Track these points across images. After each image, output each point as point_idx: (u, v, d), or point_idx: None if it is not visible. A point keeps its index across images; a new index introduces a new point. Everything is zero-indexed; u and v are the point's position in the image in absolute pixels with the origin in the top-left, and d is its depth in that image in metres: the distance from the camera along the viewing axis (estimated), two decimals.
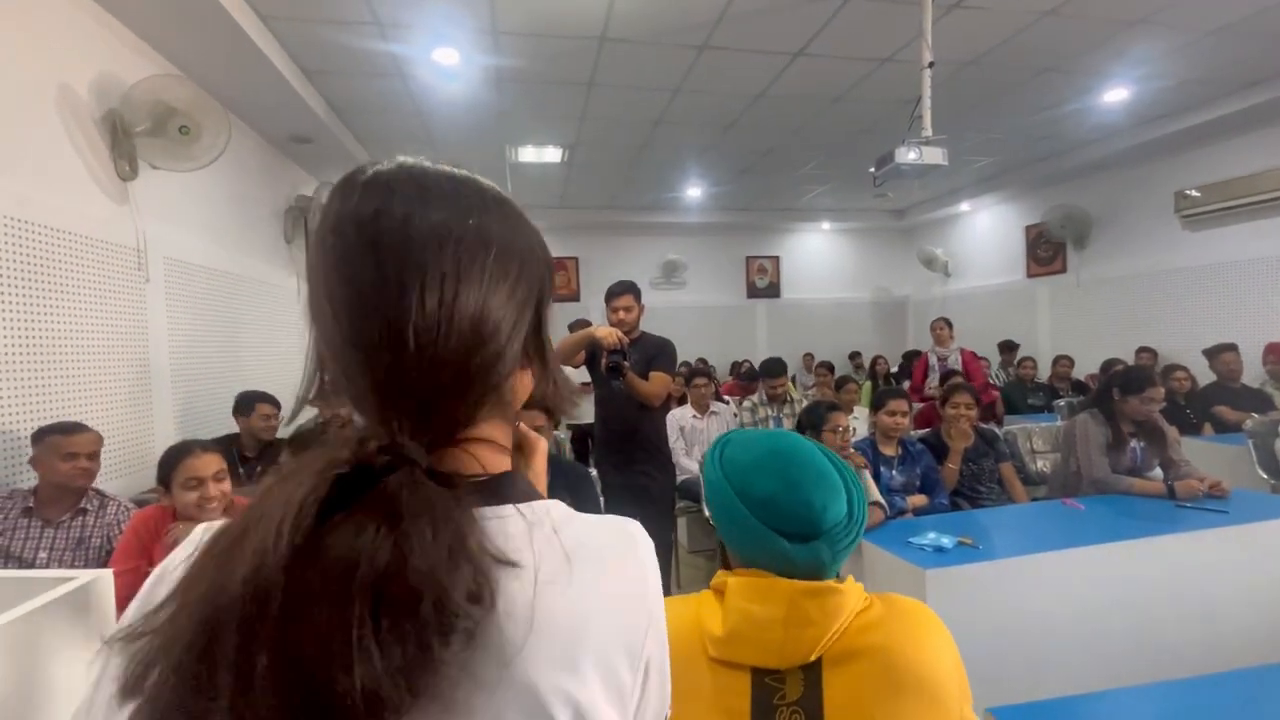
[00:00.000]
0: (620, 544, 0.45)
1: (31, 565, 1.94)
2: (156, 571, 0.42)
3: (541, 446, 0.66)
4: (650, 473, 2.87)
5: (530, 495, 0.45)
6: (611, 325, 2.76)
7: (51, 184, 2.40)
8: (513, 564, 0.38)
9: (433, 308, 0.40)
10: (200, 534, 0.40)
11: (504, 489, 0.43)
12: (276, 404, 3.11)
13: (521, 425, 0.66)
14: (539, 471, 0.64)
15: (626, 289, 2.89)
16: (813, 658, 0.75)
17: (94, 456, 2.06)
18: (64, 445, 1.99)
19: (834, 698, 0.74)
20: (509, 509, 0.42)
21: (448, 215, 0.42)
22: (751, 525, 0.80)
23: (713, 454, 0.90)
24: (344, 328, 0.41)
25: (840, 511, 0.81)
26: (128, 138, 2.69)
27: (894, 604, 0.81)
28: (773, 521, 0.80)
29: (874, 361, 7.34)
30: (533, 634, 0.37)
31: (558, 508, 0.45)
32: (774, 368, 3.98)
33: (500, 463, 0.46)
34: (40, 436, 2.01)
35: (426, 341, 0.39)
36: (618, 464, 2.88)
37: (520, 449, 0.64)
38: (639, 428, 2.86)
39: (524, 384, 0.48)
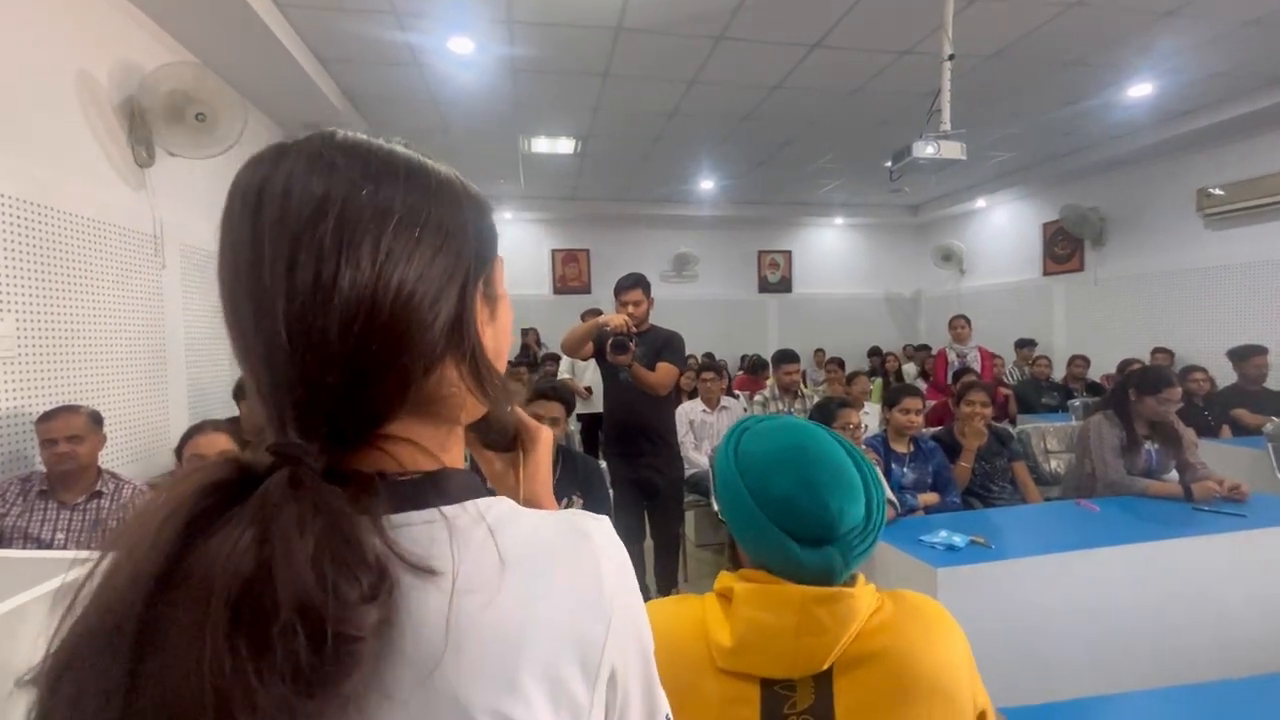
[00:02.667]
0: (569, 543, 0.39)
1: (49, 546, 1.97)
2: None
3: (544, 436, 0.61)
4: (658, 466, 2.86)
5: (466, 493, 0.40)
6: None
7: (69, 170, 2.43)
8: (427, 570, 0.34)
9: (305, 284, 0.35)
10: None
11: (426, 490, 0.38)
12: None
13: (521, 413, 0.61)
14: (542, 464, 0.60)
15: (635, 282, 2.85)
16: (825, 666, 0.72)
17: (76, 439, 2.01)
18: (40, 432, 2.01)
19: (845, 703, 0.72)
20: (430, 513, 0.37)
21: (334, 183, 0.37)
22: (762, 525, 0.76)
23: (727, 444, 0.84)
24: (230, 313, 0.38)
25: (857, 516, 0.77)
26: (145, 124, 2.71)
27: (903, 602, 0.79)
28: (785, 523, 0.75)
29: (886, 358, 7.29)
30: (458, 649, 0.33)
31: (499, 505, 0.40)
32: (786, 355, 3.96)
33: (424, 461, 0.40)
34: (37, 424, 2.04)
35: (299, 322, 0.35)
36: (625, 457, 2.86)
37: (519, 439, 0.60)
38: (647, 420, 2.84)
39: (458, 379, 0.41)
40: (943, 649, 0.74)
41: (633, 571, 0.42)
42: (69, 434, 2.02)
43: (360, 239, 0.36)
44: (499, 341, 0.46)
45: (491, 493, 0.42)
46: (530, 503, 0.57)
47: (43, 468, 2.07)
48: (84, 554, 0.32)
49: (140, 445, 2.75)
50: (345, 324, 0.35)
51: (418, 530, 0.36)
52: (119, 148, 2.68)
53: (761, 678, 0.73)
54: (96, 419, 2.13)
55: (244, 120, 2.89)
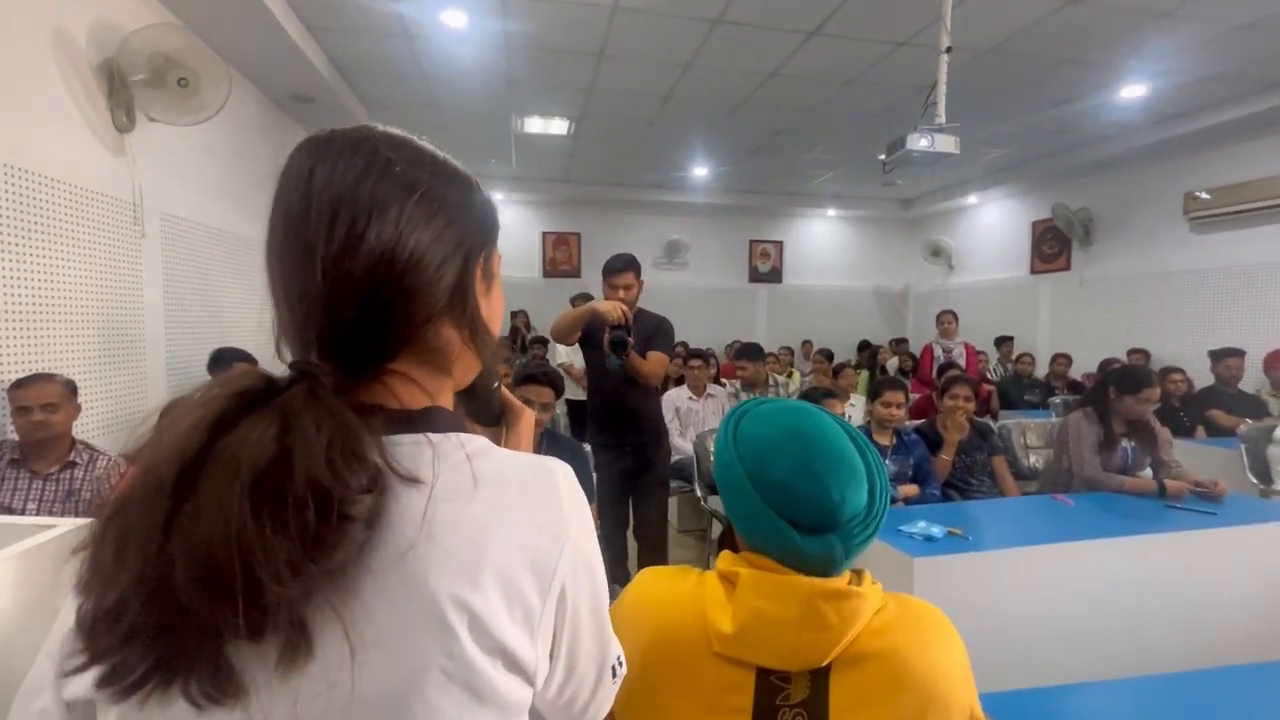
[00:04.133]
0: (535, 474, 0.47)
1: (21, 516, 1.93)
2: None
3: (526, 416, 0.68)
4: (647, 454, 2.81)
5: (451, 427, 0.47)
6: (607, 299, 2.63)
7: (46, 132, 2.35)
8: (412, 479, 0.41)
9: (340, 235, 0.43)
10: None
11: (418, 420, 0.46)
12: (253, 362, 3.03)
13: (506, 392, 0.68)
14: (523, 441, 0.67)
15: (627, 265, 2.72)
16: (825, 663, 0.71)
17: (50, 408, 1.98)
18: (13, 399, 1.97)
19: (839, 700, 0.71)
20: (419, 436, 0.44)
21: (373, 164, 0.45)
22: (762, 511, 0.74)
23: (727, 426, 0.82)
24: (274, 265, 0.46)
25: (859, 503, 0.74)
26: (125, 88, 2.63)
27: (907, 606, 0.77)
28: (785, 510, 0.73)
29: (876, 352, 7.33)
30: (430, 542, 0.40)
31: (477, 440, 0.47)
32: (747, 351, 3.99)
33: (417, 399, 0.48)
34: (10, 390, 1.99)
35: (334, 265, 0.43)
36: (612, 444, 2.79)
37: (504, 416, 0.67)
38: (636, 408, 2.78)
39: (454, 336, 0.49)
40: (941, 656, 0.73)
41: (589, 516, 0.49)
42: (43, 402, 1.98)
43: (388, 204, 0.45)
44: (492, 313, 0.54)
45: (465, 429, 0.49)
46: None
47: (14, 436, 2.03)
48: (51, 520, 0.40)
49: (115, 416, 2.70)
50: (367, 269, 0.44)
51: (407, 448, 0.43)
52: (98, 111, 2.60)
53: (758, 666, 0.72)
54: (71, 388, 2.08)
55: (228, 87, 2.82)
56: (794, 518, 0.73)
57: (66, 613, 0.41)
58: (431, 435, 0.45)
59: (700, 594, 0.77)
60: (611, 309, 2.49)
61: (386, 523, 0.40)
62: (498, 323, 0.55)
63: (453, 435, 0.46)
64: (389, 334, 0.45)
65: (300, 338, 0.45)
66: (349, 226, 0.43)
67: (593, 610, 0.48)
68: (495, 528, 0.43)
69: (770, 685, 0.71)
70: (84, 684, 0.38)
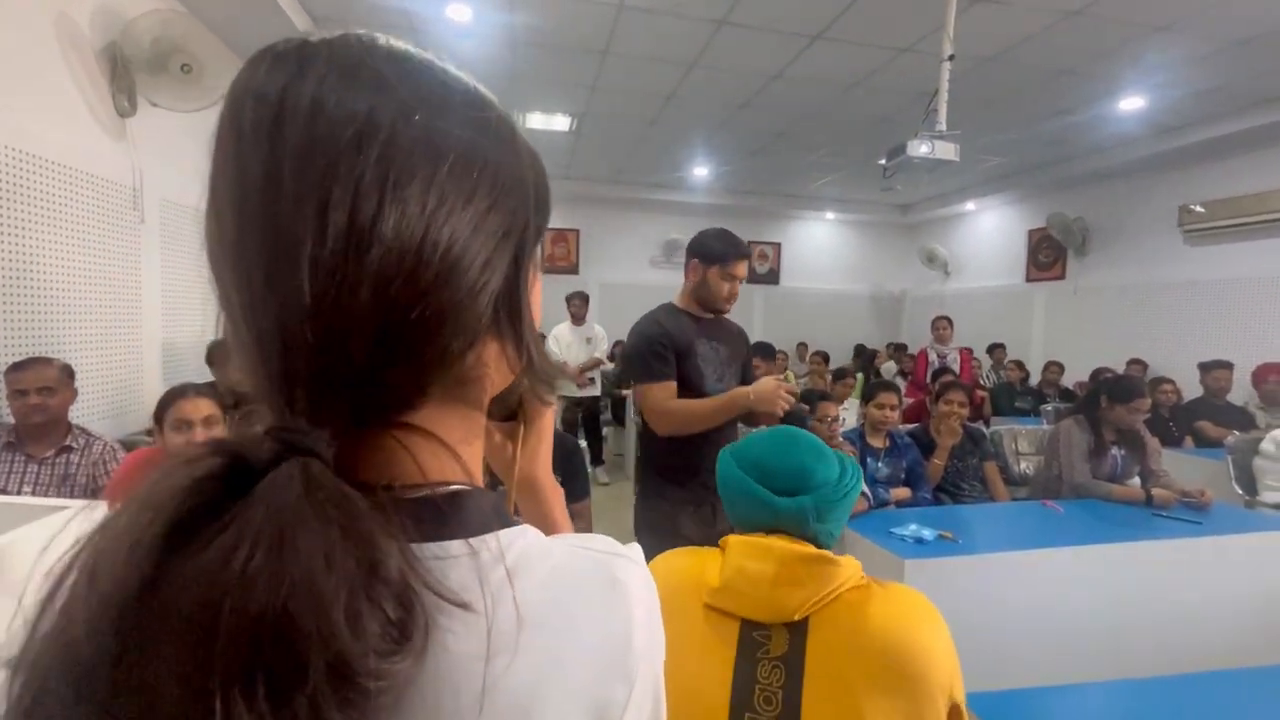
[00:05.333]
0: (599, 592, 0.33)
1: None
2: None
3: (546, 418, 0.53)
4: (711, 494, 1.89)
5: (487, 523, 0.32)
6: (724, 299, 1.92)
7: (47, 115, 2.34)
8: (462, 605, 0.28)
9: (338, 230, 0.27)
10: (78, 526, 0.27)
11: (448, 515, 0.31)
12: None
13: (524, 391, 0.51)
14: (543, 441, 0.54)
15: (746, 249, 1.97)
16: (797, 617, 0.79)
17: (48, 391, 1.98)
18: (10, 382, 1.96)
19: (816, 660, 0.77)
20: (455, 545, 0.30)
21: (381, 104, 0.29)
22: (744, 484, 0.89)
23: (724, 448, 0.99)
24: (228, 252, 0.30)
25: (830, 475, 0.88)
26: (127, 72, 2.62)
27: (891, 589, 0.84)
28: (763, 479, 0.88)
29: (873, 356, 7.36)
30: (466, 714, 0.28)
31: (521, 540, 0.33)
32: (758, 349, 3.99)
33: (446, 469, 0.33)
34: (7, 373, 1.99)
35: (328, 276, 0.28)
36: (705, 498, 1.85)
37: (517, 417, 0.52)
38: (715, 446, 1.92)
39: (498, 362, 0.35)
40: (923, 632, 0.78)
41: (660, 626, 0.35)
42: (40, 385, 1.97)
43: (409, 177, 0.29)
44: (537, 309, 0.40)
45: (512, 521, 0.35)
46: (526, 479, 0.52)
47: (10, 419, 2.02)
48: (51, 500, 0.29)
49: (112, 402, 2.69)
50: (381, 281, 0.28)
51: (437, 564, 0.29)
52: (99, 95, 2.59)
53: (742, 620, 0.82)
54: (68, 372, 2.08)
55: (231, 75, 2.81)
56: (770, 484, 0.89)
57: None
58: (471, 541, 0.31)
59: (701, 561, 0.90)
60: (780, 399, 1.75)
61: (421, 683, 0.27)
62: (537, 321, 0.41)
63: (490, 538, 0.31)
64: (411, 377, 0.31)
65: (279, 381, 0.29)
66: (349, 214, 0.28)
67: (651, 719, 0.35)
68: (548, 686, 0.29)
69: (752, 639, 0.81)
70: None
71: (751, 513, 0.89)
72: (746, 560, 0.83)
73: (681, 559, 0.93)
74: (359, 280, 0.28)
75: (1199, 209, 5.14)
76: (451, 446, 0.33)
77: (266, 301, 0.29)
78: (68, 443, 2.04)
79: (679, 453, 1.82)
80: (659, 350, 1.81)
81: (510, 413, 0.52)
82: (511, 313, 0.34)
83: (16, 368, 1.97)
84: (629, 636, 0.32)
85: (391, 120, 0.29)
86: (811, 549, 0.83)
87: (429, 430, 0.32)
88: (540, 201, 0.36)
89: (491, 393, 0.37)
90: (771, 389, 1.75)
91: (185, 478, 0.25)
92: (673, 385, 1.80)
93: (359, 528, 0.26)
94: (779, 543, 0.84)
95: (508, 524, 0.34)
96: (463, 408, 0.35)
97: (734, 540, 0.87)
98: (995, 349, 6.33)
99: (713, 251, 1.88)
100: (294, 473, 0.26)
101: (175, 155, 3.13)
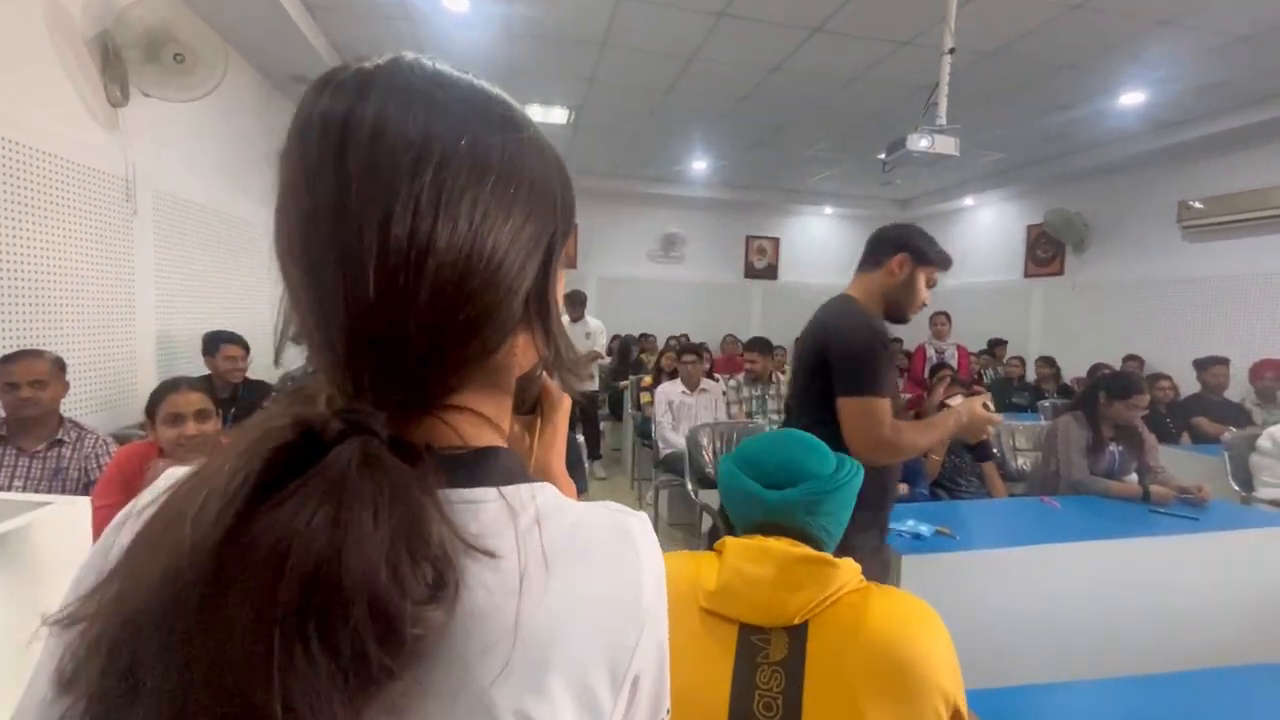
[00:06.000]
0: (613, 542, 0.38)
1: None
2: (117, 519, 0.37)
3: (565, 404, 0.59)
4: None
5: (515, 476, 0.38)
6: (917, 308, 1.73)
7: (38, 105, 2.32)
8: (488, 553, 0.33)
9: (399, 241, 0.32)
10: (163, 482, 0.34)
11: (482, 467, 0.37)
12: (244, 345, 3.01)
13: (546, 378, 0.57)
14: (559, 432, 0.59)
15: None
16: (796, 620, 0.78)
17: (39, 384, 1.96)
18: (1, 375, 1.94)
19: (816, 665, 0.75)
20: (488, 491, 0.36)
21: (434, 126, 0.34)
22: (738, 477, 0.91)
23: (729, 451, 1.05)
24: (298, 260, 0.34)
25: (823, 470, 0.89)
26: (119, 62, 2.59)
27: (891, 593, 0.83)
28: (753, 472, 0.90)
29: None
30: (495, 648, 0.32)
31: (544, 493, 0.38)
32: (755, 344, 3.99)
33: (483, 436, 0.39)
34: None
35: (390, 284, 0.32)
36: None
37: (540, 405, 0.57)
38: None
39: (525, 350, 0.40)
40: (923, 638, 0.77)
41: (664, 574, 0.40)
42: (31, 378, 1.96)
43: (458, 193, 0.33)
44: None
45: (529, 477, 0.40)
46: (541, 469, 0.56)
47: (1, 412, 2.00)
48: (39, 496, 0.33)
49: (104, 395, 2.67)
50: (438, 287, 0.33)
51: (470, 509, 0.35)
52: (91, 85, 2.56)
53: (740, 624, 0.80)
54: (60, 365, 2.06)
55: (224, 65, 2.78)
56: (760, 477, 0.90)
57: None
58: (503, 490, 0.36)
59: (696, 564, 0.89)
60: (987, 426, 1.65)
61: (454, 624, 0.31)
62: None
63: (522, 488, 0.37)
64: (458, 366, 0.36)
65: (346, 369, 0.34)
66: (410, 230, 0.32)
67: (656, 680, 0.40)
68: (568, 623, 0.34)
69: (751, 643, 0.79)
70: None
71: (745, 507, 0.89)
72: (744, 563, 0.82)
73: (676, 563, 0.91)
74: (417, 287, 0.33)
75: (1198, 205, 5.14)
76: (490, 421, 0.39)
77: (336, 303, 0.33)
78: (59, 436, 2.03)
79: (877, 477, 1.47)
80: (889, 357, 1.53)
81: (530, 406, 0.59)
82: (541, 308, 0.39)
83: (7, 360, 1.95)
84: (639, 584, 0.37)
85: (443, 145, 0.33)
86: (810, 551, 0.82)
87: (469, 408, 0.38)
88: (565, 208, 0.41)
89: (512, 382, 0.42)
90: (982, 416, 1.60)
91: (270, 445, 0.30)
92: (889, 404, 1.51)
93: (405, 496, 0.31)
94: (778, 545, 0.82)
95: (532, 480, 0.39)
96: (496, 391, 0.40)
97: (731, 542, 0.86)
98: (996, 345, 6.32)
99: (928, 252, 1.65)
100: (355, 449, 0.31)
101: (168, 146, 3.10)
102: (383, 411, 0.33)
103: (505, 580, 0.33)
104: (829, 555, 0.83)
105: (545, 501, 0.37)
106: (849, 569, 0.82)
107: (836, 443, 1.42)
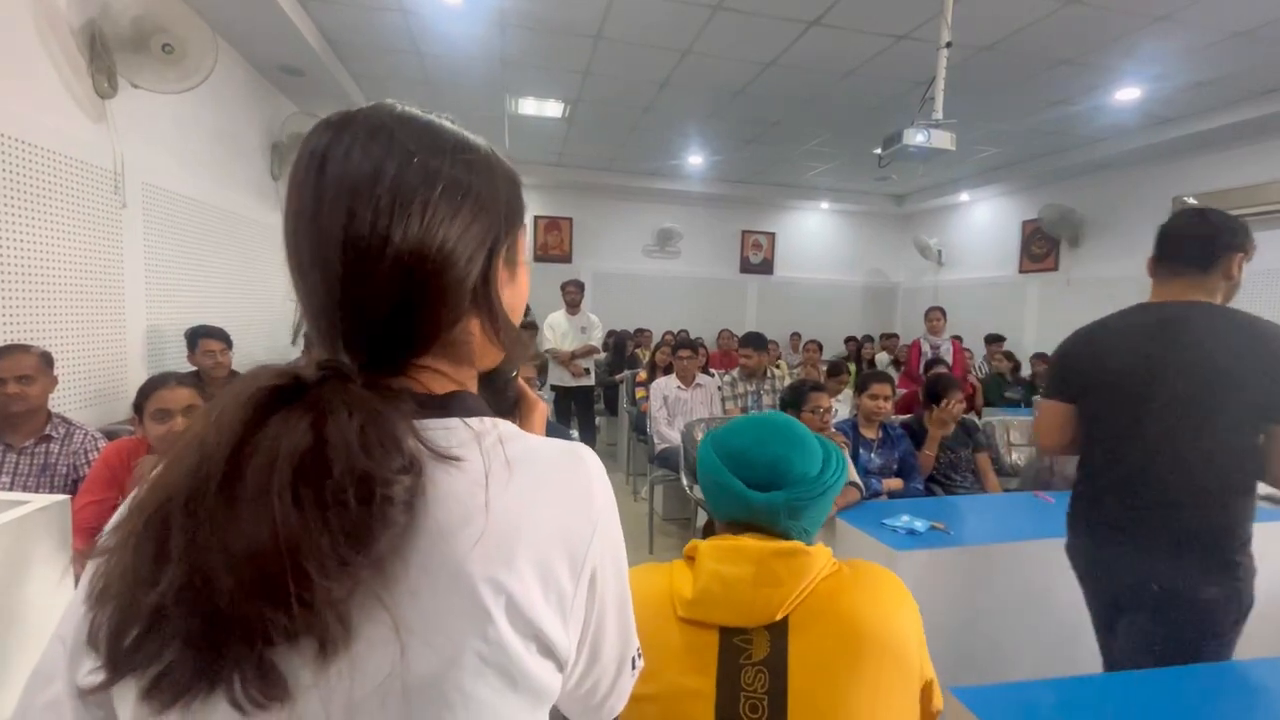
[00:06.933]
0: (566, 459, 0.46)
1: None
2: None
3: (541, 407, 0.69)
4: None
5: (478, 411, 0.47)
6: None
7: (23, 95, 2.28)
8: (454, 459, 0.41)
9: (361, 234, 0.41)
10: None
11: (448, 404, 0.45)
12: (225, 340, 2.96)
13: (523, 384, 0.69)
14: (535, 432, 0.66)
15: None
16: (778, 617, 0.77)
17: (27, 380, 1.94)
18: None
19: (798, 658, 0.76)
20: (452, 420, 0.44)
21: (390, 151, 0.43)
22: (721, 474, 0.86)
23: (708, 434, 0.96)
24: (292, 253, 0.44)
25: (809, 470, 0.85)
26: (107, 52, 2.55)
27: (859, 569, 0.84)
28: (739, 470, 0.86)
29: (861, 346, 7.36)
30: (468, 525, 0.39)
31: (505, 424, 0.47)
32: (749, 339, 3.98)
33: (447, 386, 0.47)
34: None
35: (356, 267, 0.41)
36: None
37: (518, 407, 0.68)
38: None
39: (478, 330, 0.48)
40: (894, 614, 0.79)
41: (615, 503, 0.48)
42: (19, 374, 1.93)
43: (411, 199, 0.42)
44: (515, 302, 0.52)
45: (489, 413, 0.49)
46: None
47: None
48: (28, 495, 0.37)
49: (93, 390, 2.65)
50: (395, 272, 0.42)
51: (441, 431, 0.43)
52: (78, 75, 2.52)
53: (720, 628, 0.79)
54: (48, 360, 2.04)
55: (214, 55, 2.74)
56: (745, 476, 0.86)
57: (78, 602, 0.39)
58: (466, 419, 0.45)
59: (668, 574, 0.87)
60: None
61: (425, 505, 0.39)
62: (519, 310, 0.54)
63: (486, 419, 0.46)
64: (417, 335, 0.45)
65: (325, 339, 0.44)
66: (371, 226, 0.41)
67: (618, 597, 0.48)
68: (531, 511, 0.42)
69: (732, 645, 0.78)
70: (127, 696, 0.37)
71: (725, 503, 0.87)
72: (721, 565, 0.80)
73: (647, 576, 0.88)
74: (379, 270, 0.42)
75: (1192, 201, 5.15)
76: (451, 377, 0.47)
77: (317, 285, 0.43)
78: (47, 432, 2.00)
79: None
80: None
81: (509, 407, 0.67)
82: (486, 292, 0.47)
83: None
84: (589, 489, 0.46)
85: (398, 161, 0.43)
86: (784, 543, 0.81)
87: (433, 368, 0.46)
88: (511, 213, 0.49)
89: (480, 358, 0.50)
90: None
91: (262, 385, 0.39)
92: None
93: (373, 408, 0.40)
94: (751, 542, 0.81)
95: (491, 414, 0.48)
96: (457, 361, 0.48)
97: (704, 547, 0.84)
98: (992, 342, 6.32)
99: (1249, 245, 1.51)
100: (331, 382, 0.40)
101: (158, 138, 3.07)
102: (358, 364, 0.43)
103: (473, 477, 0.41)
104: (801, 544, 0.82)
105: (507, 429, 0.47)
106: (821, 555, 0.82)
107: (1233, 476, 1.35)
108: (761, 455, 0.86)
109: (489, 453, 0.43)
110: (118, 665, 0.35)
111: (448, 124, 0.48)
